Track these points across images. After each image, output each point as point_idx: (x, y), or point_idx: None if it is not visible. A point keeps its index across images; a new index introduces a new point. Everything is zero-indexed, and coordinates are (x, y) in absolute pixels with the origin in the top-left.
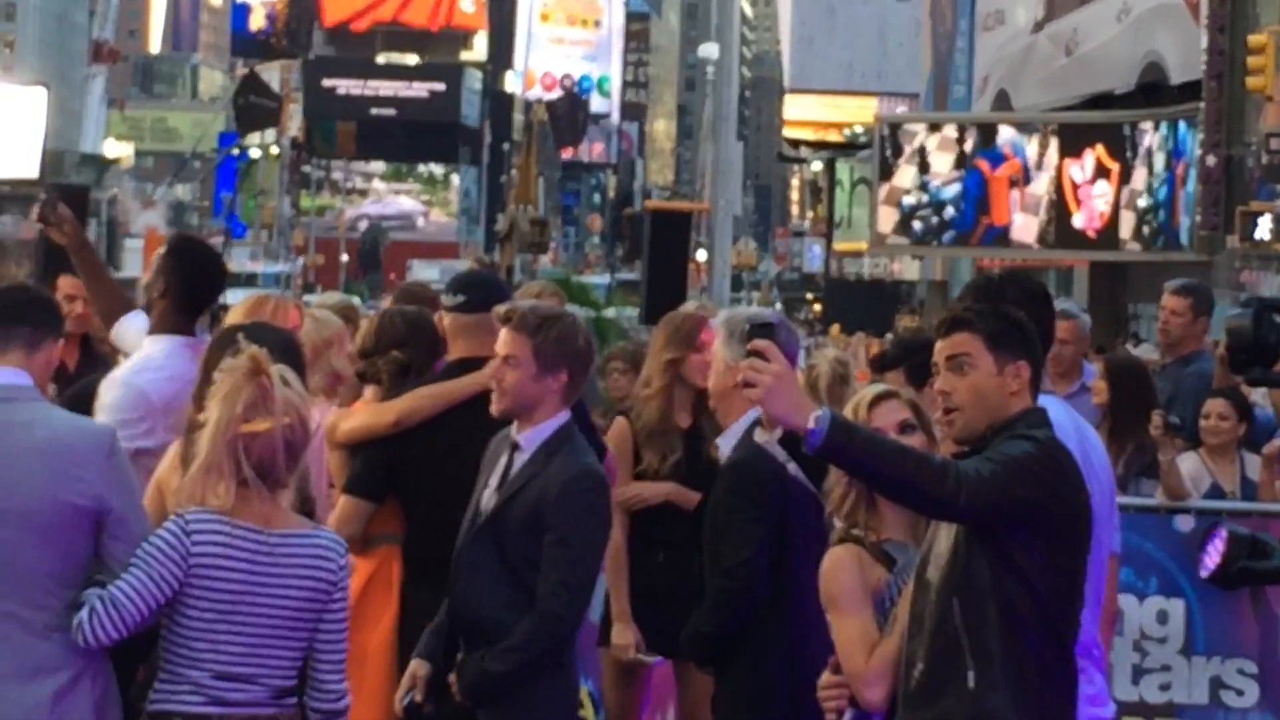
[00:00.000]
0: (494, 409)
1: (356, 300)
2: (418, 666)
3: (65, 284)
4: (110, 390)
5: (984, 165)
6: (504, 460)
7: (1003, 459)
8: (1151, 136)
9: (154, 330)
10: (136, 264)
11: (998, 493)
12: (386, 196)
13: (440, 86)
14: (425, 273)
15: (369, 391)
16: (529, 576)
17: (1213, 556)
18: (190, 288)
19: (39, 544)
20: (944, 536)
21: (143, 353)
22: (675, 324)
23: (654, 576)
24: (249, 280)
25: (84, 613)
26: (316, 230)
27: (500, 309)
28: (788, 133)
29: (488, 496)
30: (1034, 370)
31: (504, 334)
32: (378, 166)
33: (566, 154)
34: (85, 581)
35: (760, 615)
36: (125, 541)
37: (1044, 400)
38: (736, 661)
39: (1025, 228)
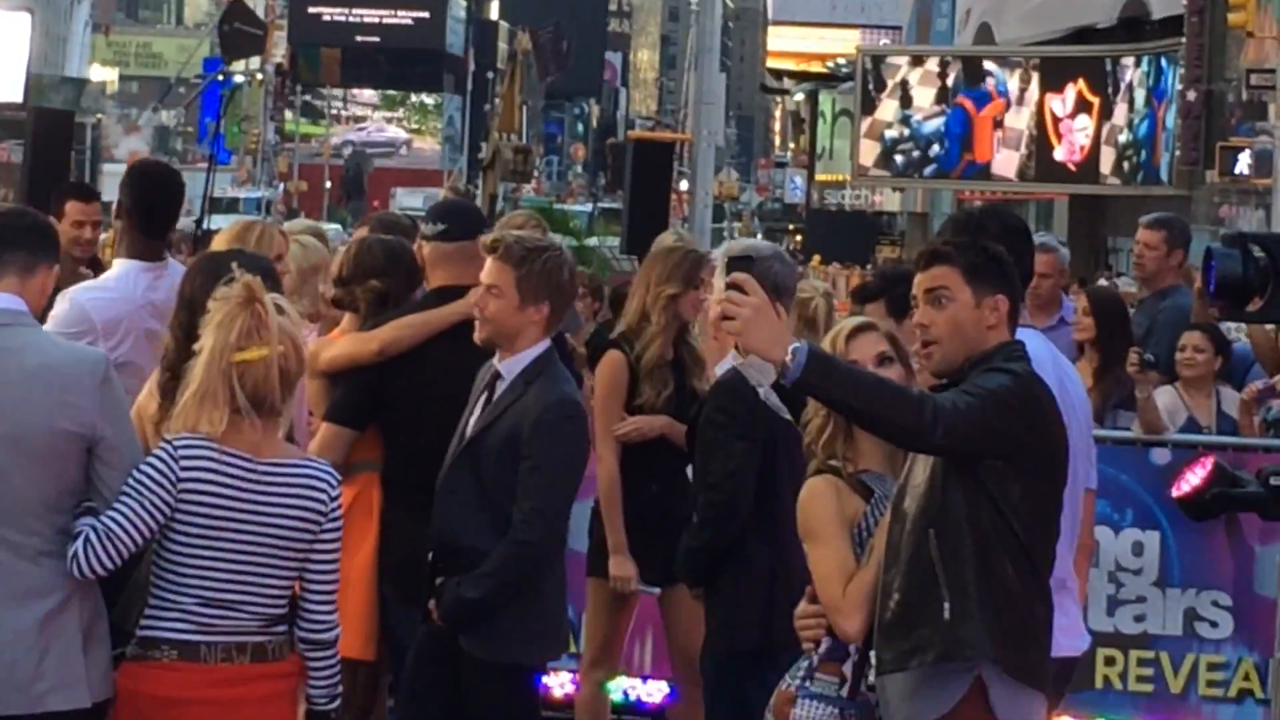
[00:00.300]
0: (476, 337)
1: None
2: None
3: (73, 209)
4: (59, 304)
5: (968, 104)
6: (486, 389)
7: (979, 392)
8: (1132, 72)
9: (117, 254)
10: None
11: (974, 425)
12: (373, 123)
13: (424, 14)
14: (408, 200)
15: (346, 319)
16: (506, 503)
17: (1191, 482)
18: (146, 211)
19: (30, 470)
20: (921, 468)
21: (105, 274)
22: (676, 260)
23: (647, 508)
24: (230, 206)
25: (78, 544)
26: (301, 157)
27: (486, 238)
28: (771, 64)
29: (471, 425)
30: (1012, 304)
31: (489, 263)
32: (371, 95)
33: None
34: (77, 508)
35: (745, 534)
36: (117, 468)
37: (1022, 333)
38: (723, 581)
39: (1006, 163)
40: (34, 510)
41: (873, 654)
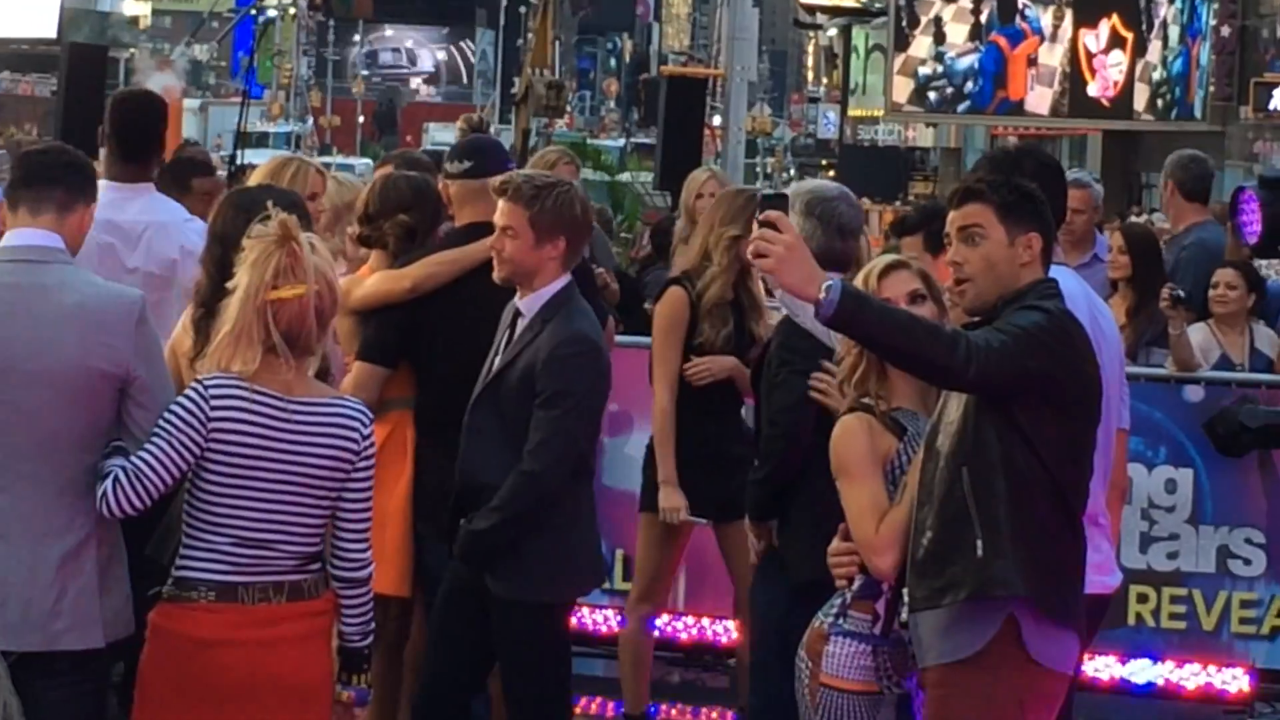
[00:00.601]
0: (495, 276)
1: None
2: None
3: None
4: None
5: (1002, 41)
6: (509, 327)
7: (1013, 329)
8: (1166, 8)
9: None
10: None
11: (1008, 362)
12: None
13: None
14: (441, 135)
15: (375, 257)
16: (524, 437)
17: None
18: (122, 136)
19: (62, 407)
20: (954, 406)
21: None
22: (741, 203)
23: (704, 446)
24: (260, 140)
25: (107, 484)
26: (333, 92)
27: (496, 180)
28: None
29: (495, 364)
30: (1045, 242)
31: (501, 205)
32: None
33: None
34: (107, 447)
35: (806, 468)
36: (150, 409)
37: (1055, 271)
38: (786, 515)
39: (1039, 99)
40: (63, 448)
41: (905, 591)
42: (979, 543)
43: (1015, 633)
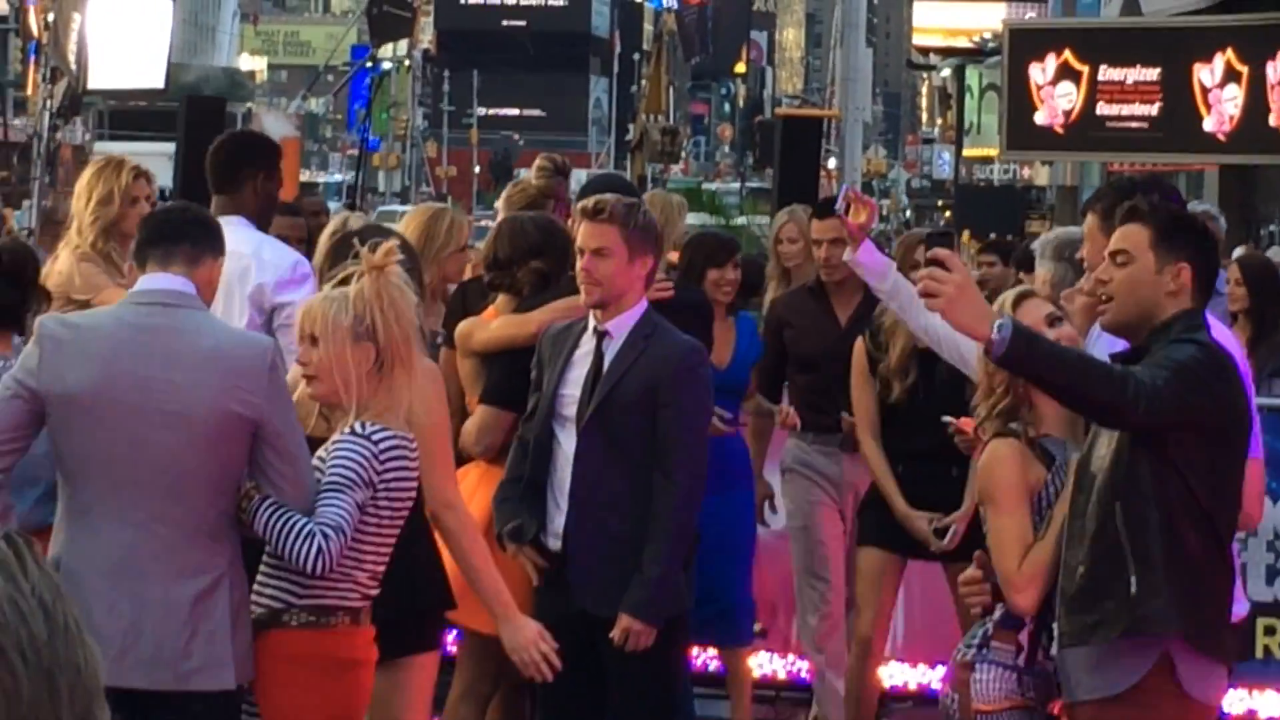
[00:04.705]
0: (586, 302)
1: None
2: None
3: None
4: None
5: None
6: (587, 350)
7: (1173, 365)
8: None
9: None
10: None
11: (1173, 401)
12: None
13: (568, 1)
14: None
15: (501, 299)
16: (641, 456)
17: None
18: (212, 167)
19: (199, 449)
20: (1105, 439)
21: None
22: (909, 245)
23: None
24: (308, 188)
25: (319, 542)
26: (450, 143)
27: (586, 203)
28: (917, 39)
29: (571, 386)
30: (1199, 273)
31: (591, 227)
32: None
33: None
34: (236, 491)
35: None
36: (282, 454)
37: None
38: None
39: None
40: (196, 490)
41: (1054, 625)
42: (1133, 579)
43: (1169, 668)
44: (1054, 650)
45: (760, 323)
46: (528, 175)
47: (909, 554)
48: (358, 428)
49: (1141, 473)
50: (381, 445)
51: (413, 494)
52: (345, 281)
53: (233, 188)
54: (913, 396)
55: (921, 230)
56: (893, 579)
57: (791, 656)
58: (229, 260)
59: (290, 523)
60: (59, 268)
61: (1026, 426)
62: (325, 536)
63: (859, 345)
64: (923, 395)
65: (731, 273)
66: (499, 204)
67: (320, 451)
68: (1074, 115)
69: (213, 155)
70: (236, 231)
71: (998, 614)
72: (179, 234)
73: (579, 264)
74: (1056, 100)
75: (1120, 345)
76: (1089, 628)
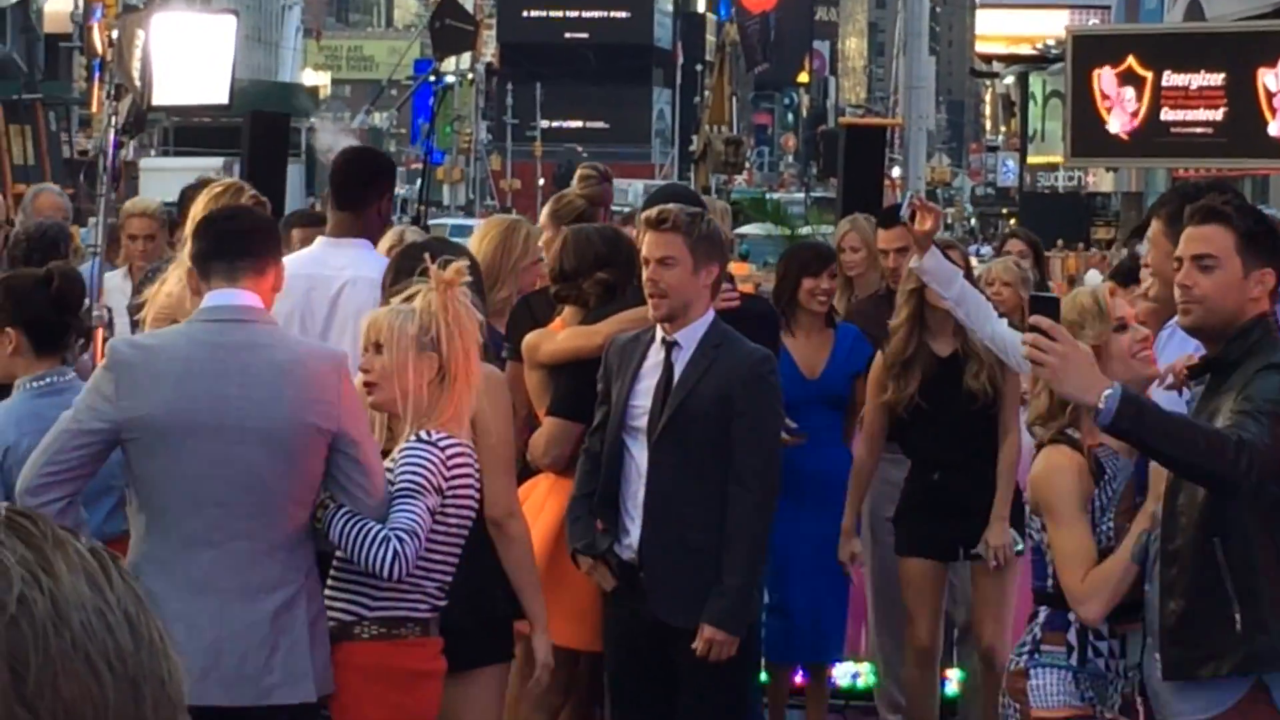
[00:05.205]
0: (655, 314)
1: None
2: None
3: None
4: None
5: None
6: (656, 361)
7: (1270, 409)
8: None
9: None
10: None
11: (1272, 454)
12: None
13: (629, 14)
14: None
15: (568, 311)
16: (715, 466)
17: None
18: (334, 187)
19: (279, 464)
20: None
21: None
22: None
23: (928, 493)
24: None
25: (394, 547)
26: (514, 156)
27: (650, 213)
28: (979, 47)
29: (642, 398)
30: (1279, 277)
31: (656, 237)
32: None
33: None
34: (315, 502)
35: None
36: (358, 464)
37: None
38: None
39: None
40: (279, 504)
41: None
42: (1237, 616)
43: (1264, 692)
44: (1103, 646)
45: None
46: (571, 189)
47: (949, 558)
48: (424, 435)
49: (1241, 510)
50: (448, 452)
51: (476, 502)
52: (411, 299)
53: (359, 206)
54: (930, 403)
55: (946, 237)
56: (938, 585)
57: (859, 666)
58: (363, 289)
59: (366, 529)
60: (168, 289)
61: (1083, 436)
62: (401, 541)
63: (878, 354)
64: (944, 403)
65: (827, 282)
66: (543, 220)
67: (386, 461)
68: (1139, 121)
69: (339, 172)
70: (367, 258)
71: (1042, 616)
72: (242, 245)
73: (644, 274)
74: (1124, 106)
75: (1191, 345)
76: (1195, 662)
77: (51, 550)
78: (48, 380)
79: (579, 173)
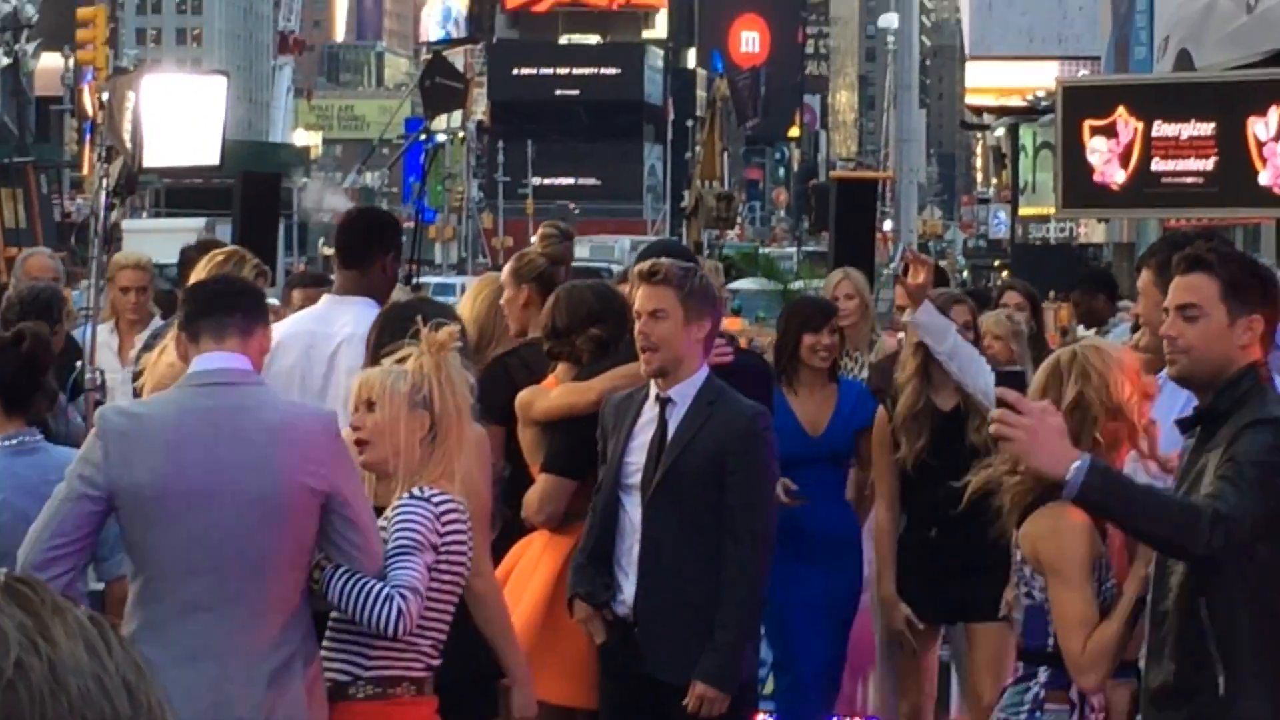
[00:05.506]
0: (647, 369)
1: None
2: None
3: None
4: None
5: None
6: (650, 418)
7: (1250, 471)
8: None
9: None
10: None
11: (1256, 520)
12: None
13: (620, 70)
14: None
15: (561, 368)
16: (709, 522)
17: None
18: (338, 246)
19: (273, 526)
20: None
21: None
22: (937, 304)
23: (925, 551)
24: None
25: (399, 604)
26: (506, 213)
27: (642, 266)
28: (970, 99)
29: (636, 454)
30: (1268, 323)
31: (648, 290)
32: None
33: None
34: (309, 564)
35: None
36: (353, 524)
37: None
38: None
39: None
40: (271, 566)
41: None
42: (1221, 680)
43: None
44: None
45: None
46: (533, 247)
47: (942, 620)
48: (416, 492)
49: (1226, 573)
50: (442, 509)
51: (468, 558)
52: (404, 359)
53: (364, 265)
54: (934, 459)
55: (953, 291)
56: (932, 646)
57: None
58: (360, 346)
59: (366, 588)
60: (169, 359)
61: None
62: (404, 598)
63: (881, 412)
64: (947, 458)
65: (828, 337)
66: (504, 277)
67: (379, 520)
68: (1129, 172)
69: (344, 231)
70: (367, 317)
71: (1043, 676)
72: (230, 307)
73: (636, 328)
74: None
75: (1181, 398)
76: None
77: (50, 617)
78: (18, 440)
79: (540, 231)
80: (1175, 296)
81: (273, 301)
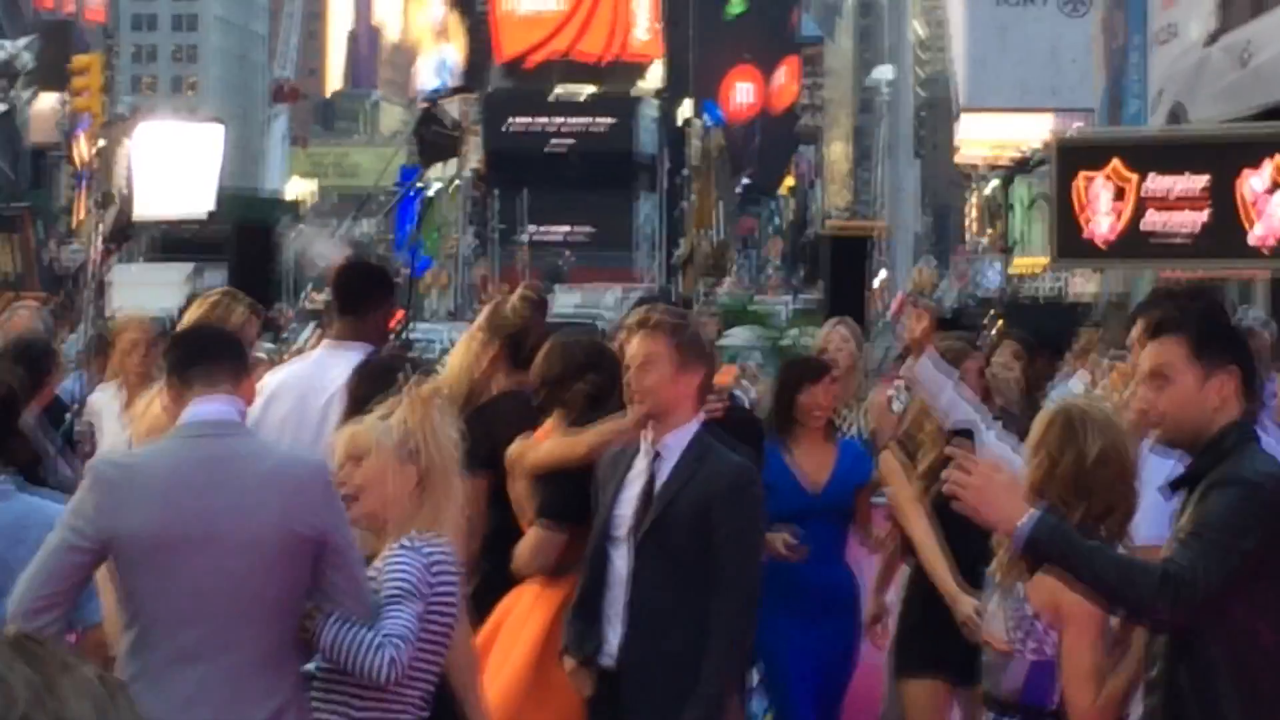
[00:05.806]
0: (634, 415)
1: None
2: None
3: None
4: None
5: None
6: (639, 470)
7: (1211, 535)
8: None
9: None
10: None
11: (1215, 580)
12: None
13: (616, 120)
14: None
15: (554, 418)
16: (696, 575)
17: None
18: (336, 295)
19: (266, 573)
20: None
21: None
22: (949, 356)
23: (934, 604)
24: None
25: (390, 653)
26: (500, 260)
27: (635, 315)
28: (964, 150)
29: (625, 506)
30: (1242, 377)
31: (640, 339)
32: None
33: None
34: (299, 612)
35: None
36: (345, 572)
37: None
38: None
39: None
40: (267, 615)
41: None
42: None
43: None
44: None
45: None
46: (512, 300)
47: (957, 683)
48: (406, 541)
49: (1202, 637)
50: (431, 558)
51: (457, 607)
52: (387, 415)
53: (361, 312)
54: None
55: (956, 344)
56: (944, 708)
57: None
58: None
59: (358, 636)
60: (156, 408)
61: (1111, 540)
62: (396, 647)
63: (888, 458)
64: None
65: (824, 395)
66: (480, 322)
67: (370, 570)
68: (1122, 225)
69: (340, 279)
70: None
71: None
72: (219, 354)
73: (627, 376)
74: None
75: (1170, 461)
76: None
77: (58, 673)
78: None
79: (519, 292)
80: (1144, 364)
81: (259, 356)
